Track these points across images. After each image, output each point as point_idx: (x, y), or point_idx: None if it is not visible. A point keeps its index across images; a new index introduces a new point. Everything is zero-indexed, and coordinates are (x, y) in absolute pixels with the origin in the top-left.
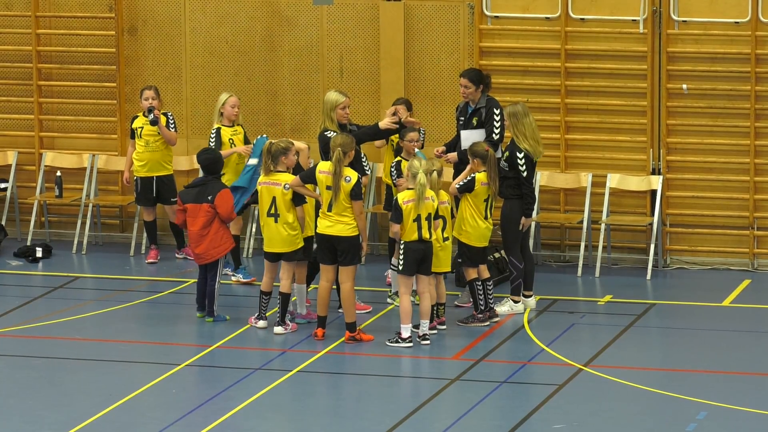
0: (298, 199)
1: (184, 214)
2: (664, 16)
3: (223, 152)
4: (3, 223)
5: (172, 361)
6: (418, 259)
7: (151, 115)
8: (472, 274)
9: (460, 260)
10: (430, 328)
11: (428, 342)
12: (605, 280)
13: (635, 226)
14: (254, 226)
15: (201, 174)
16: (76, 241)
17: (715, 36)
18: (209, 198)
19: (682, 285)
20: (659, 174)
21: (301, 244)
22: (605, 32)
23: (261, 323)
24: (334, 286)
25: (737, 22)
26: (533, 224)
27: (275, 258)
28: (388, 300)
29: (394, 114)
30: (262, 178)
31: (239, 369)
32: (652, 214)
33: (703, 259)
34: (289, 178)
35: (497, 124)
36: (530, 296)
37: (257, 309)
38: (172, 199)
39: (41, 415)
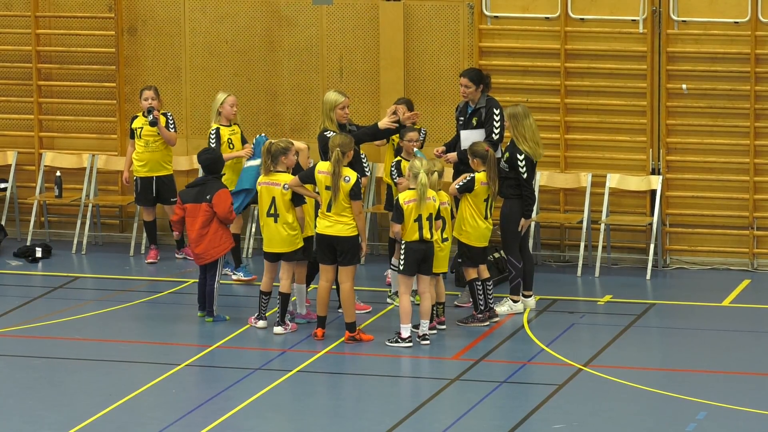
0: (297, 200)
1: (181, 213)
2: (664, 16)
3: (227, 155)
4: (3, 223)
5: (172, 361)
6: (419, 259)
7: (151, 116)
8: (472, 274)
9: (460, 260)
10: (430, 328)
11: (428, 342)
12: (605, 280)
13: (635, 226)
14: (254, 226)
15: (201, 174)
16: (75, 241)
17: (715, 36)
18: (207, 198)
19: (682, 285)
20: (659, 174)
21: (301, 244)
22: (605, 32)
23: (261, 323)
24: (334, 286)
25: (737, 22)
26: (533, 224)
27: (275, 258)
28: (388, 300)
29: (393, 113)
30: (261, 178)
31: (239, 369)
32: (652, 214)
33: (703, 259)
34: (288, 179)
35: (497, 124)
36: (530, 296)
37: (257, 309)
38: (171, 199)
39: (41, 415)
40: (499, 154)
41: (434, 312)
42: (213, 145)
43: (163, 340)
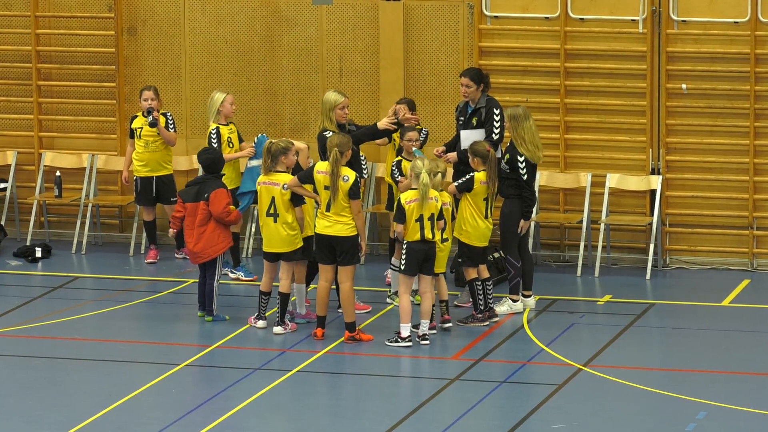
0: (296, 200)
1: (182, 212)
2: (664, 15)
3: (228, 156)
4: (2, 223)
5: (171, 361)
6: (421, 259)
7: (150, 116)
8: (471, 273)
9: (460, 260)
10: (430, 328)
11: (428, 342)
12: (605, 280)
13: (635, 225)
14: (254, 225)
15: (201, 173)
16: (75, 241)
17: (715, 36)
18: (206, 196)
19: (682, 285)
20: (659, 174)
21: (301, 244)
22: (605, 32)
23: (260, 323)
24: (334, 286)
25: (737, 22)
26: (533, 224)
27: (274, 258)
28: (388, 300)
29: (394, 114)
30: (261, 178)
31: (239, 369)
32: (652, 214)
33: (703, 259)
34: (287, 179)
35: (497, 124)
36: (530, 296)
37: (257, 309)
38: (171, 199)
39: (41, 415)
40: (499, 154)
41: (436, 311)
42: (215, 145)
43: (163, 340)
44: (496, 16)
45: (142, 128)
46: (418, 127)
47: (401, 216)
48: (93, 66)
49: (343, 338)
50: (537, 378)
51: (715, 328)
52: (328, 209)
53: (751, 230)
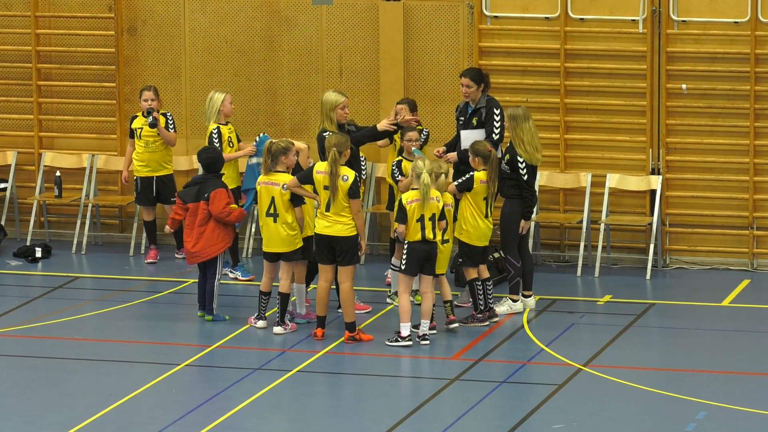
0: (296, 200)
1: (182, 213)
2: (664, 16)
3: (228, 155)
4: (2, 223)
5: (171, 361)
6: (421, 259)
7: (150, 117)
8: (472, 273)
9: (460, 260)
10: (430, 329)
11: (428, 342)
12: (605, 280)
13: (635, 226)
14: (254, 226)
15: (201, 172)
16: (75, 241)
17: (715, 36)
18: (206, 196)
19: (682, 285)
20: (659, 174)
21: (300, 244)
22: (604, 32)
23: (260, 323)
24: (333, 286)
25: (737, 22)
26: (533, 224)
27: (274, 258)
28: (388, 300)
29: (395, 115)
30: (261, 178)
31: (239, 369)
32: (652, 214)
33: (703, 259)
34: (287, 179)
35: (497, 124)
36: (530, 296)
37: (257, 309)
38: (172, 199)
39: (41, 415)
40: (499, 154)
41: (440, 311)
42: (216, 145)
43: (163, 340)
44: (496, 16)
45: (142, 128)
46: (419, 128)
47: (402, 216)
48: (93, 66)
49: (343, 338)
50: (537, 378)
51: (715, 328)
52: (327, 209)
53: (751, 230)
